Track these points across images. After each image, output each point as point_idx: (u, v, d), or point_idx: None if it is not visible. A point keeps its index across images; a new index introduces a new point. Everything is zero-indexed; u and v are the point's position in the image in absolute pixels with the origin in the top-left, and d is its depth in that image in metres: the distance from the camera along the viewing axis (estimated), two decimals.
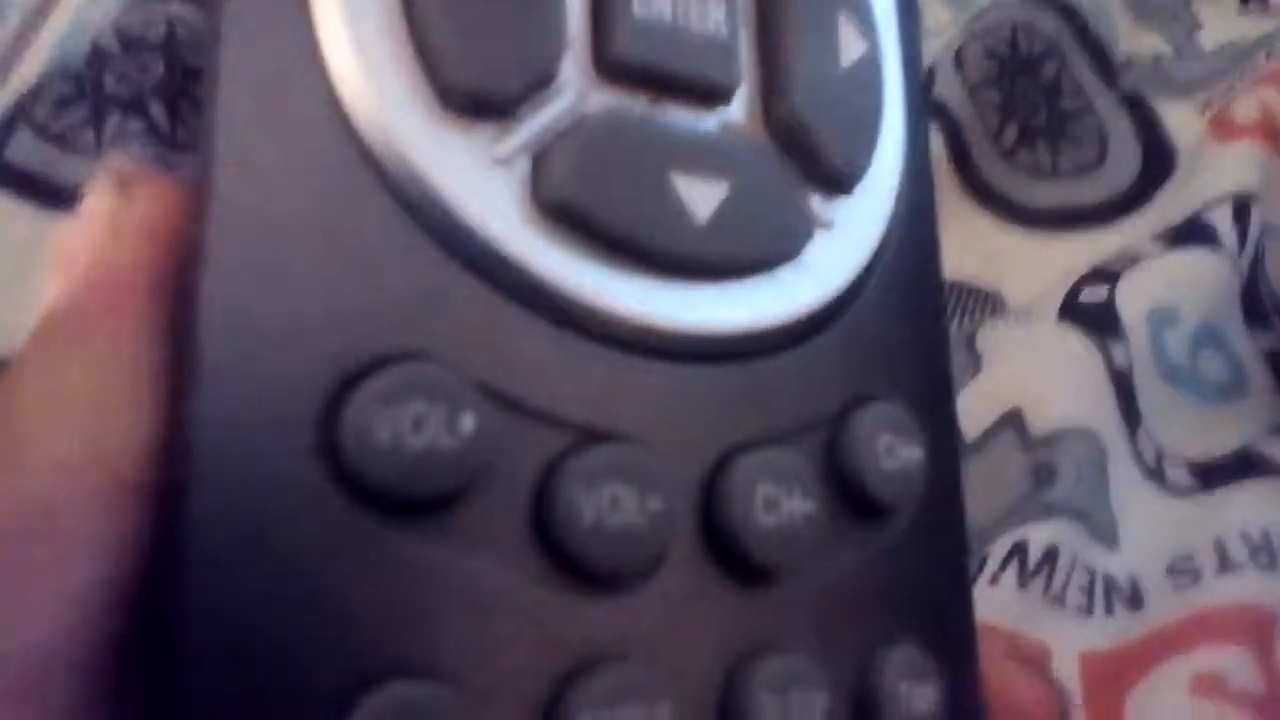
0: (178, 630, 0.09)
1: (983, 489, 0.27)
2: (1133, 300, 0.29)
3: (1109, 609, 0.26)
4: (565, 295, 0.10)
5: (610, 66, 0.10)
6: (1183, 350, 0.29)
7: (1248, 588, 0.25)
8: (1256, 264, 0.30)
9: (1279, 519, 0.26)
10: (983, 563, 0.26)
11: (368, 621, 0.09)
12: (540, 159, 0.10)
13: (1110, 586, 0.26)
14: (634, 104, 0.10)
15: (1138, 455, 0.28)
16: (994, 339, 0.29)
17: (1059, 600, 0.26)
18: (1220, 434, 0.28)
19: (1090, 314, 0.28)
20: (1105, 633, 0.26)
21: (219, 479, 0.09)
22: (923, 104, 0.12)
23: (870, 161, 0.11)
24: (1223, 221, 0.29)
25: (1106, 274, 0.29)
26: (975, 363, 0.29)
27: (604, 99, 0.10)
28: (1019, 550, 0.26)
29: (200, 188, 0.09)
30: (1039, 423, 0.27)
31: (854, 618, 0.11)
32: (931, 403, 0.12)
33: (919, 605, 0.11)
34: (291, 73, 0.09)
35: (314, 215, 0.09)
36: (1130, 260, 0.29)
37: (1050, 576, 0.26)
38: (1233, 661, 0.25)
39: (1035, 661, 0.25)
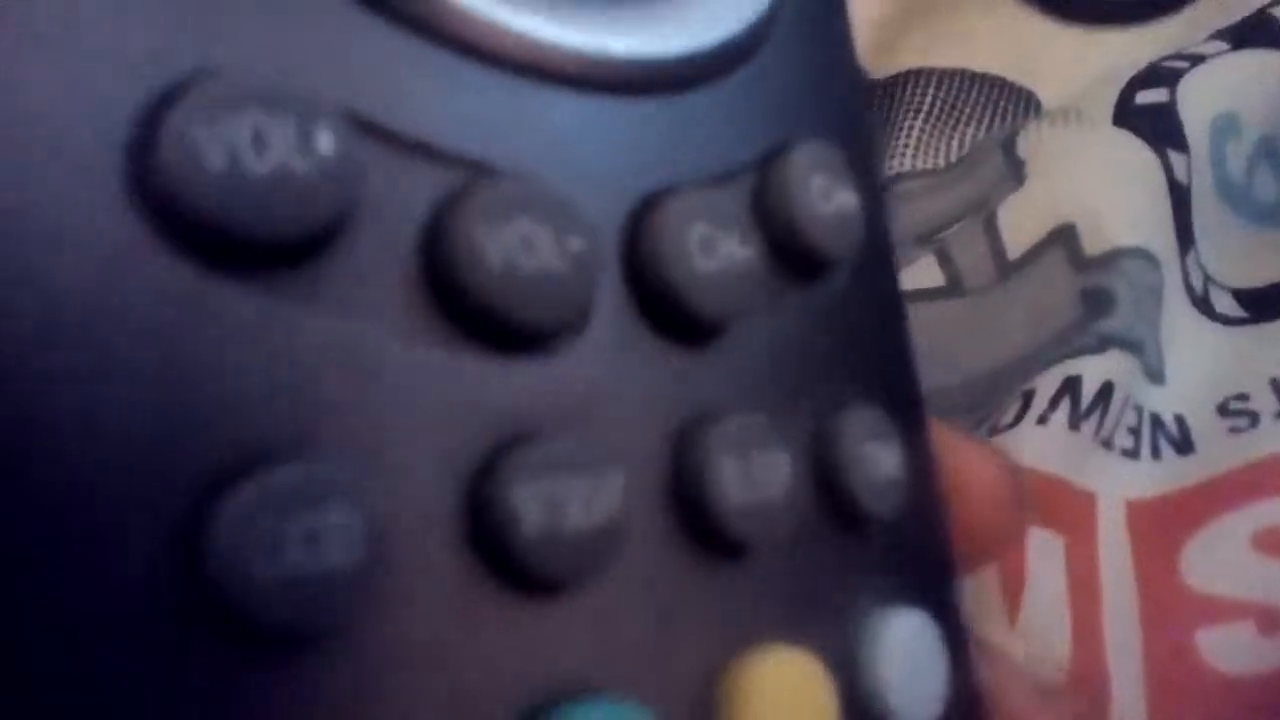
0: None
1: (1028, 313, 0.24)
2: (1197, 104, 0.25)
3: (1155, 452, 0.23)
4: (451, 9, 0.08)
5: None
6: (1241, 165, 0.26)
7: None
8: None
9: None
10: (1029, 398, 0.23)
11: (222, 400, 0.07)
12: None
13: (1157, 426, 0.24)
14: None
15: (1186, 280, 0.25)
16: (1039, 144, 0.25)
17: (1106, 443, 0.23)
18: (1269, 261, 0.26)
19: (1150, 118, 0.25)
20: (1153, 478, 0.23)
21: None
22: None
23: None
24: None
25: (1166, 73, 0.25)
26: (1017, 170, 0.25)
27: None
28: (1071, 386, 0.23)
29: None
30: (1094, 241, 0.24)
31: (807, 378, 0.10)
32: (855, 146, 0.10)
33: (869, 366, 0.11)
34: None
35: None
36: (1192, 60, 0.26)
37: (1103, 416, 0.23)
38: None
39: (1082, 510, 0.22)
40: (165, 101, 0.07)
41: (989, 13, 0.27)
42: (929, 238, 0.25)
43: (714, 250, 0.09)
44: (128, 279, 0.07)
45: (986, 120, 0.26)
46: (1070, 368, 0.23)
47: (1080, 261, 0.24)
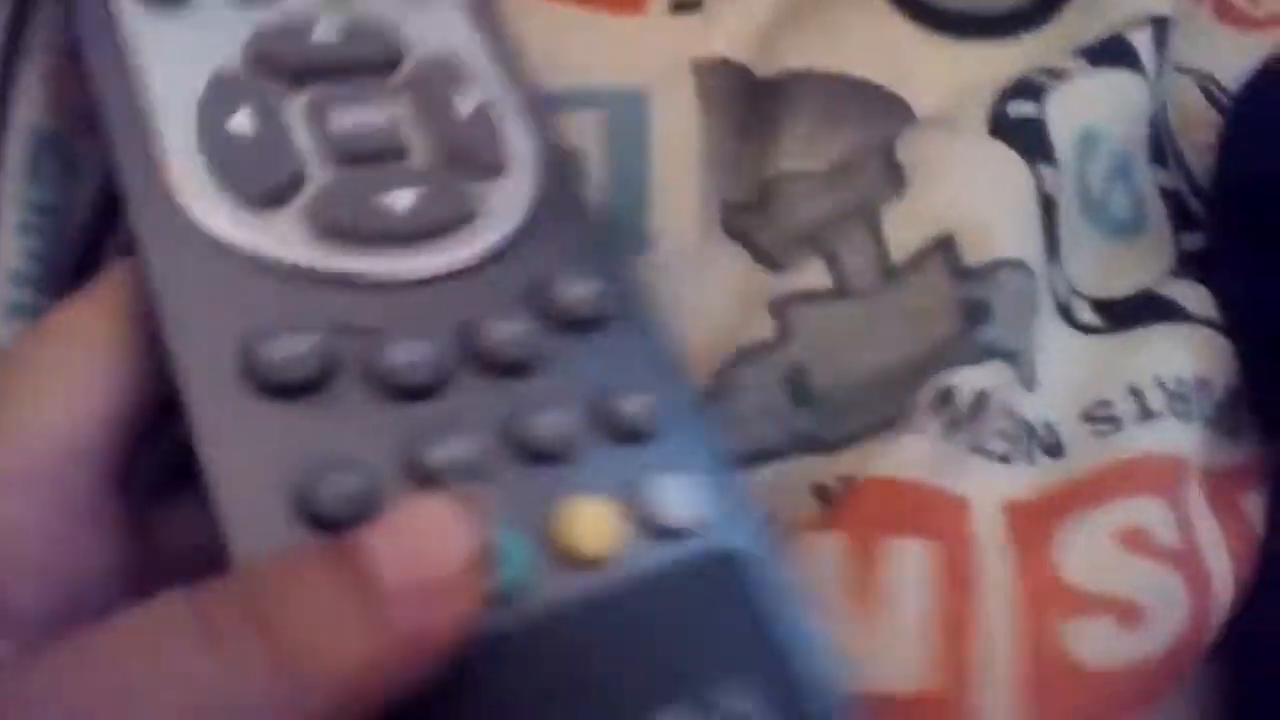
0: None
1: (909, 320, 0.24)
2: (1064, 119, 0.26)
3: (1029, 457, 0.24)
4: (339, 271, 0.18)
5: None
6: (1098, 181, 0.27)
7: (1168, 436, 0.24)
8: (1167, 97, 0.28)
9: (1191, 366, 0.25)
10: (906, 407, 0.23)
11: None
12: (311, 214, 0.18)
13: (1030, 433, 0.24)
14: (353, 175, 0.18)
15: (1053, 291, 0.26)
16: (918, 152, 0.26)
17: (979, 449, 0.24)
18: (1122, 273, 0.27)
19: (1022, 131, 0.26)
20: (1029, 481, 0.24)
21: None
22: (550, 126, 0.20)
23: (505, 159, 0.19)
24: (1144, 45, 0.27)
25: (1031, 87, 0.26)
26: (897, 176, 0.25)
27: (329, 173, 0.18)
28: (946, 396, 0.23)
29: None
30: (974, 252, 0.24)
31: None
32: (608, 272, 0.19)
33: None
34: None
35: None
36: (1056, 75, 0.27)
37: (977, 425, 0.23)
38: (1156, 514, 0.24)
39: (955, 516, 0.23)
40: None
41: (864, 20, 0.27)
42: (813, 238, 0.25)
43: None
44: None
45: (864, 126, 0.27)
46: (947, 378, 0.23)
47: (960, 271, 0.24)
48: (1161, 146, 0.28)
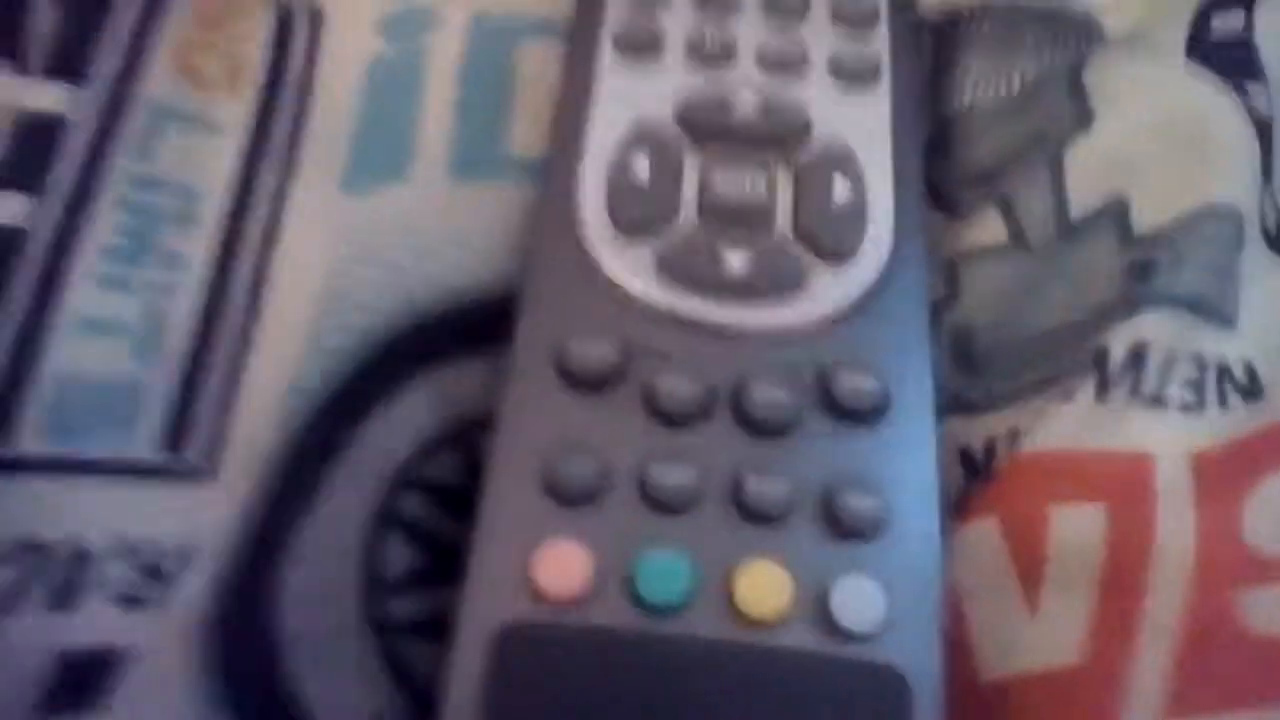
0: None
1: (1079, 282, 0.23)
2: (1274, 31, 0.24)
3: (1223, 401, 0.23)
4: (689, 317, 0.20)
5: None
6: None
7: None
8: None
9: None
10: (1067, 370, 0.22)
11: None
12: (662, 250, 0.20)
13: (1222, 373, 0.23)
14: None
15: (1263, 220, 0.24)
16: (1106, 77, 0.24)
17: (1158, 400, 0.22)
18: None
19: (1226, 48, 0.23)
20: (1218, 428, 0.22)
21: None
22: (917, 219, 0.21)
23: (850, 249, 0.21)
24: None
25: None
26: (1083, 105, 0.24)
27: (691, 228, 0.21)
28: (1109, 352, 0.22)
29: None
30: (1156, 207, 0.23)
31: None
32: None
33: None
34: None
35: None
36: None
37: (1147, 375, 0.22)
38: None
39: (1134, 474, 0.22)
40: None
41: None
42: (990, 177, 0.24)
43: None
44: None
45: (1047, 50, 0.25)
46: (1112, 335, 0.22)
47: (1137, 229, 0.23)
48: None
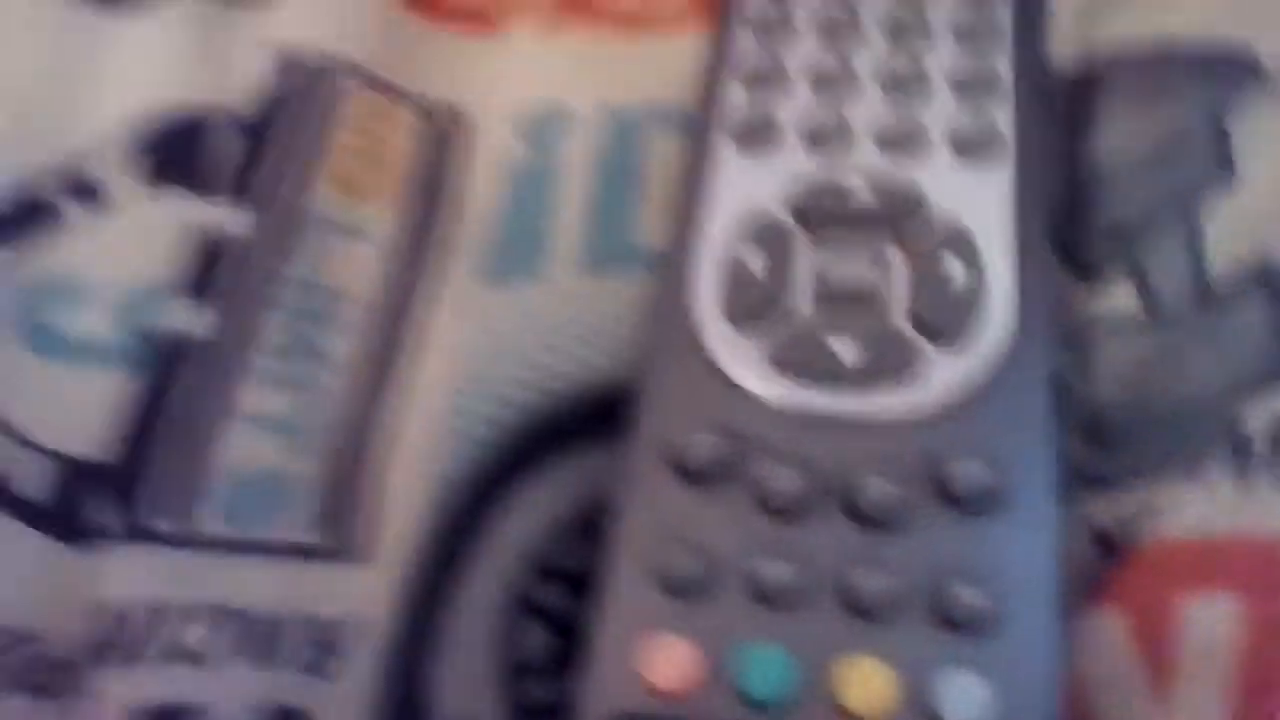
0: None
1: (1220, 354, 0.21)
2: None
3: None
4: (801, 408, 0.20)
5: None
6: None
7: None
8: None
9: None
10: (1204, 447, 0.21)
11: None
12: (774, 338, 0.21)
13: None
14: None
15: None
16: (1257, 123, 0.22)
17: None
18: None
19: None
20: None
21: None
22: (1041, 297, 0.21)
23: (966, 332, 0.20)
24: None
25: None
26: (1226, 158, 0.22)
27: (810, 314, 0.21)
28: (1249, 429, 0.20)
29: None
30: None
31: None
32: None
33: None
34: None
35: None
36: None
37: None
38: None
39: (1270, 559, 0.20)
40: None
41: None
42: (1123, 234, 0.23)
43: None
44: None
45: (1194, 91, 0.24)
46: (1253, 408, 0.20)
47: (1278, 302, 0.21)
48: None
